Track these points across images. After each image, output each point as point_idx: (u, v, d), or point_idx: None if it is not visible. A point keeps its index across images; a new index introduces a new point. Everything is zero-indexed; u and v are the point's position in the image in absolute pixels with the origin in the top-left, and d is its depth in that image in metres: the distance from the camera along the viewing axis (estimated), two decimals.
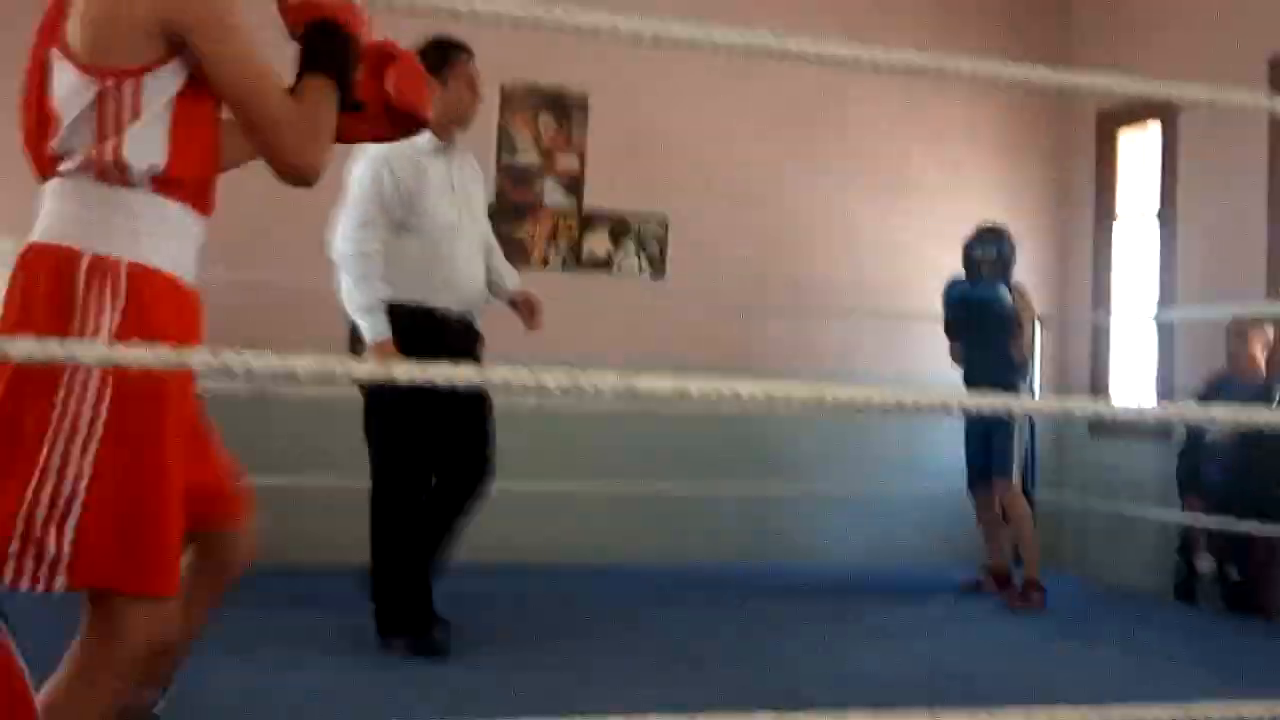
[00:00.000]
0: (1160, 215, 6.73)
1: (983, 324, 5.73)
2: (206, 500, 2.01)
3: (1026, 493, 6.03)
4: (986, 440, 5.78)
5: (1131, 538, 6.50)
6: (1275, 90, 5.83)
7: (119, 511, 1.79)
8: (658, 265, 6.56)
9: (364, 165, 4.01)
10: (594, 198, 6.52)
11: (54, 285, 1.80)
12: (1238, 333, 5.82)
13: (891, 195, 7.07)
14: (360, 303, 3.92)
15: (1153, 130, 6.84)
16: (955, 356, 5.97)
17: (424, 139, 3.88)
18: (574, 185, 6.49)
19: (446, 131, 4.11)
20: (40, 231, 1.88)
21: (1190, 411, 4.98)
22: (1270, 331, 5.82)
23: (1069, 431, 7.18)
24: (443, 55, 4.04)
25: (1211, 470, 5.78)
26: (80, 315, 1.79)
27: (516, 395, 3.28)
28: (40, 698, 1.83)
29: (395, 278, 3.95)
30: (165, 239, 1.89)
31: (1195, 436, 5.93)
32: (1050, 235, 7.41)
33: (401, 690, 3.58)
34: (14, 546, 1.75)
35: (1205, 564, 5.82)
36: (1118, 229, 7.14)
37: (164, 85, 1.87)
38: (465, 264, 4.13)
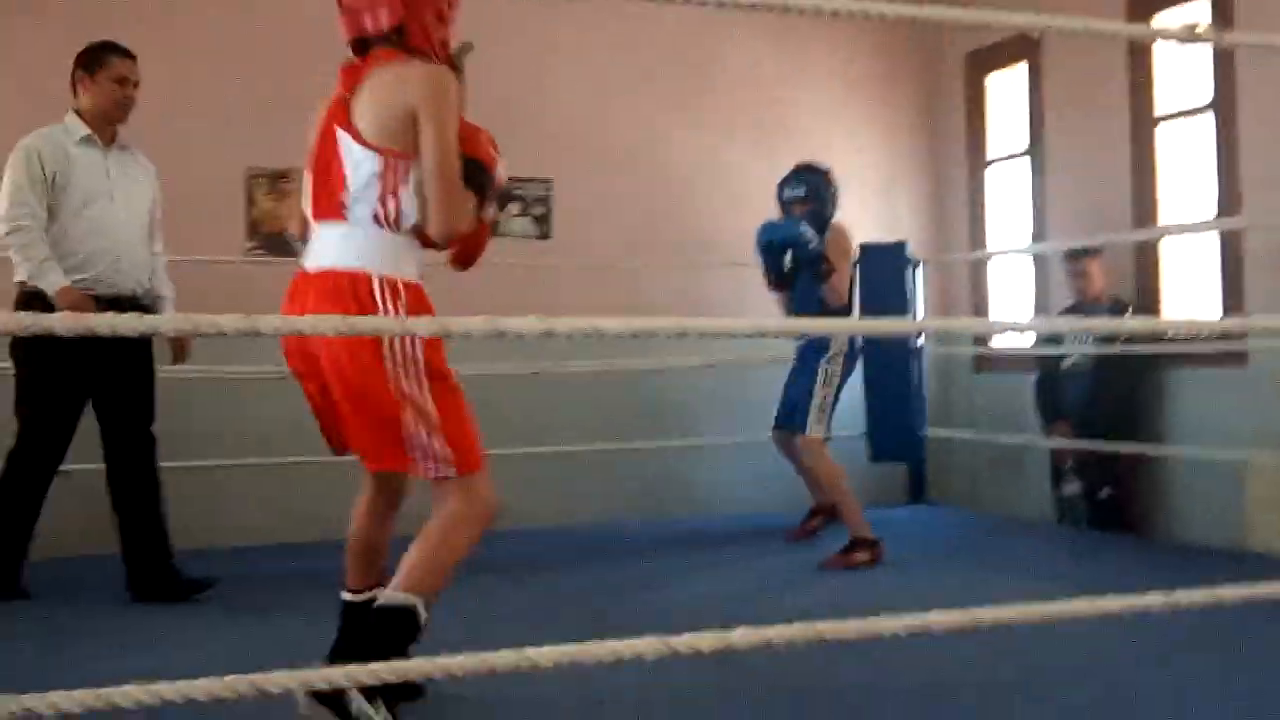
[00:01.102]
0: (1030, 153, 6.77)
1: (794, 268, 5.22)
2: None
3: (893, 446, 6.40)
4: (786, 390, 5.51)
5: (1017, 468, 6.57)
6: (1132, 19, 5.85)
7: (453, 420, 2.59)
8: (544, 228, 6.47)
9: (16, 152, 4.32)
10: None
11: (360, 295, 2.55)
12: (1073, 265, 5.95)
13: (770, 144, 7.01)
14: (35, 259, 4.21)
15: (1020, 70, 6.86)
16: (783, 306, 5.49)
17: (76, 128, 4.36)
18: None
19: (98, 126, 4.39)
20: (332, 260, 2.62)
21: (1058, 324, 5.24)
22: (1099, 261, 5.91)
23: (954, 368, 7.25)
24: (94, 58, 4.40)
25: (1071, 396, 5.89)
26: (383, 311, 2.55)
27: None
28: (417, 549, 2.57)
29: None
30: (414, 264, 2.67)
31: (1050, 367, 6.03)
32: (926, 178, 7.45)
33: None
34: (417, 455, 2.59)
35: (1071, 487, 5.95)
36: (990, 170, 7.17)
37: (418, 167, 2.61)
38: (123, 250, 4.36)
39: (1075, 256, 5.92)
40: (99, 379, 4.35)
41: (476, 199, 2.74)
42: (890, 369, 6.54)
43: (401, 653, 2.39)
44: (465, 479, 2.61)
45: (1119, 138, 6.12)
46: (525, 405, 6.04)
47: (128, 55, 4.44)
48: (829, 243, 5.17)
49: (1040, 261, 6.66)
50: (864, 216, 7.12)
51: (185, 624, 3.94)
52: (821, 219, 5.23)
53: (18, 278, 4.28)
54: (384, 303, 2.54)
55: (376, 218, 2.59)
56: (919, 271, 6.85)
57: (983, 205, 7.21)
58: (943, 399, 7.16)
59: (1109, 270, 5.92)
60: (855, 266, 5.48)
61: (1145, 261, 6.04)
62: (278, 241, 5.72)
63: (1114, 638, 3.26)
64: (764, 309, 6.73)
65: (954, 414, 7.12)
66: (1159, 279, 6.02)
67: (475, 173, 2.71)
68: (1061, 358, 6.00)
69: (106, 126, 4.42)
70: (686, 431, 6.57)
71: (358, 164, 2.59)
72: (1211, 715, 2.89)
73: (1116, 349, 5.67)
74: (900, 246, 6.66)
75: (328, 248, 2.63)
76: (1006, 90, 7.07)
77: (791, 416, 5.30)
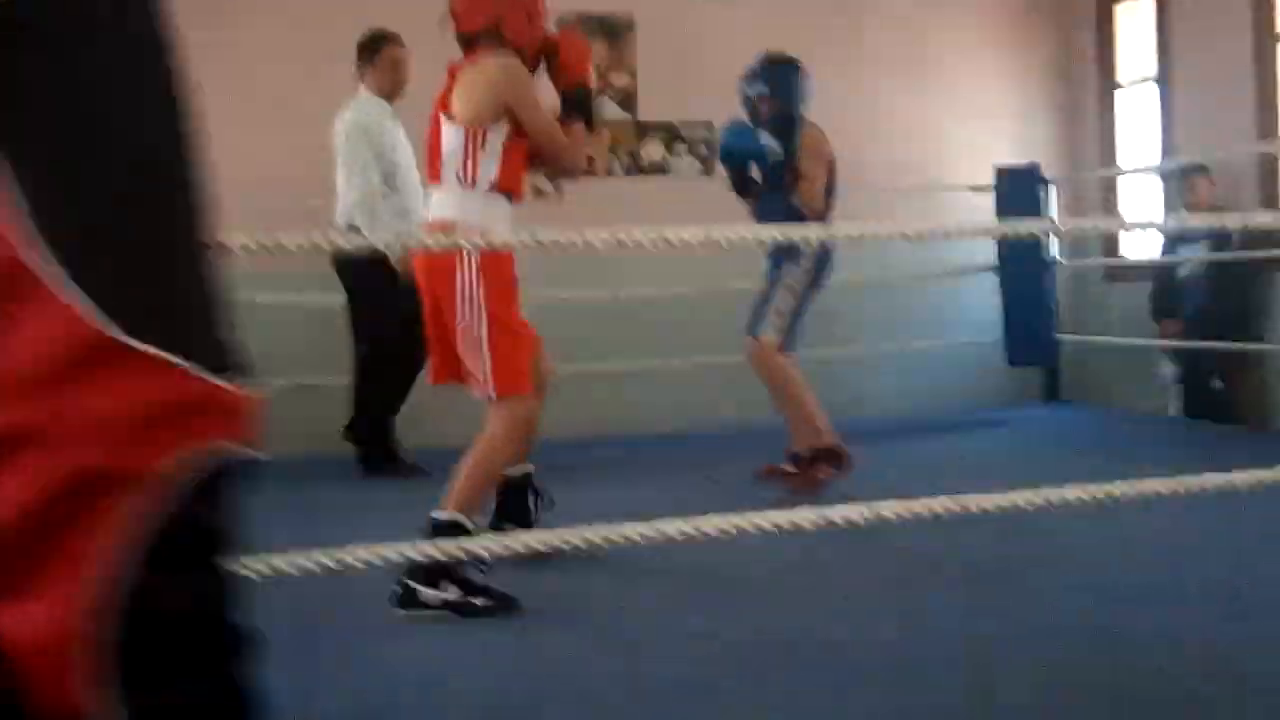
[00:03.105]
0: (1158, 78, 6.86)
1: (759, 177, 4.61)
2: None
3: (1029, 351, 6.24)
4: None
5: (1144, 369, 6.76)
6: None
7: (501, 354, 3.02)
8: (708, 166, 6.84)
9: (358, 134, 5.09)
10: (646, 111, 6.82)
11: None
12: (1186, 184, 6.12)
13: (911, 77, 7.26)
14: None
15: (1147, 2, 6.94)
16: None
17: (383, 106, 5.17)
18: (628, 101, 6.81)
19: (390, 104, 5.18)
20: (433, 214, 3.19)
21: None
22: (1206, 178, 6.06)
23: (1086, 279, 7.44)
24: (374, 45, 5.18)
25: (1186, 301, 6.13)
26: (461, 253, 3.00)
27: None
28: (463, 465, 2.98)
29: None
30: (495, 216, 3.11)
31: (1164, 274, 6.31)
32: (1059, 103, 7.57)
33: None
34: (471, 376, 3.08)
35: (1169, 373, 6.24)
36: (1120, 94, 7.27)
37: (498, 135, 3.12)
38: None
39: (1182, 174, 6.11)
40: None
41: (585, 122, 3.27)
42: (1025, 279, 6.80)
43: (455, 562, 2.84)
44: (505, 401, 3.05)
45: (1242, 58, 6.20)
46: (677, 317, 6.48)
47: (401, 41, 5.17)
48: (801, 146, 4.52)
49: (1166, 180, 6.78)
50: (998, 141, 7.34)
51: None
52: (788, 118, 4.55)
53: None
54: (461, 259, 3.03)
55: (459, 178, 3.11)
56: (1052, 191, 7.03)
57: (1113, 127, 7.32)
58: (1076, 307, 7.37)
59: (1218, 185, 6.07)
60: (832, 169, 4.65)
61: (1266, 175, 6.14)
62: None
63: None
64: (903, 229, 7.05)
65: (1086, 321, 7.32)
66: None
67: (577, 100, 3.27)
68: (1177, 265, 6.21)
69: (393, 100, 5.19)
70: (836, 342, 6.92)
71: (449, 138, 3.14)
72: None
73: (1229, 256, 5.87)
74: (1034, 167, 6.86)
75: (431, 205, 3.24)
76: (1135, 18, 7.14)
77: (754, 322, 4.57)
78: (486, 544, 2.31)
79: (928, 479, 4.74)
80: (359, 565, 2.06)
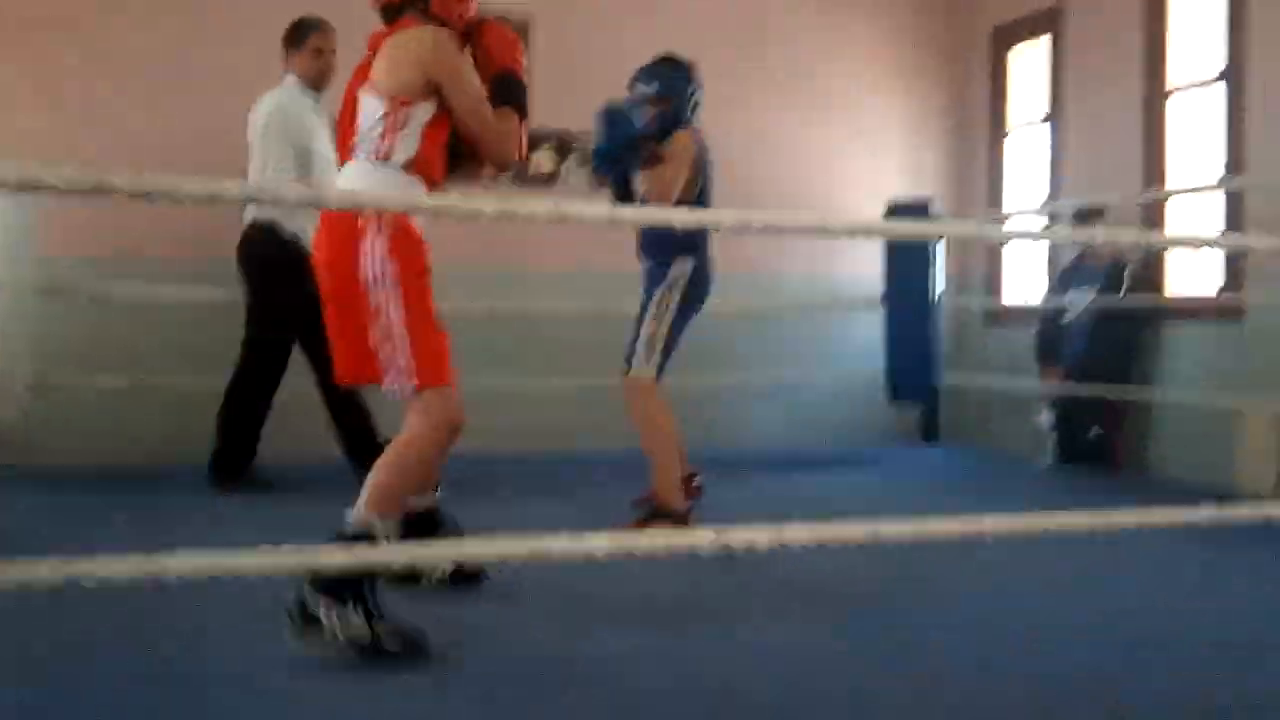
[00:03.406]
0: (1050, 119, 6.85)
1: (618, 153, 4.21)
2: None
3: (911, 388, 6.13)
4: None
5: (1022, 412, 6.71)
6: None
7: (420, 339, 2.69)
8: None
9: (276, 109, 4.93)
10: (538, 118, 6.53)
11: (346, 220, 2.73)
12: (1080, 224, 6.03)
13: (805, 107, 7.16)
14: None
15: (1043, 43, 6.94)
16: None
17: (306, 96, 4.99)
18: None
19: (313, 89, 5.02)
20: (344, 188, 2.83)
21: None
22: (1104, 224, 5.97)
23: (968, 320, 7.40)
24: (300, 32, 5.02)
25: (1071, 347, 6.06)
26: (367, 236, 2.70)
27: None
28: (380, 466, 2.63)
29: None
30: (410, 197, 2.76)
31: (1051, 318, 6.23)
32: (951, 143, 7.54)
33: None
34: (385, 370, 2.70)
35: (1045, 420, 6.19)
36: (1010, 137, 7.27)
37: (421, 113, 2.81)
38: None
39: (1082, 216, 6.04)
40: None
41: (517, 113, 2.92)
42: (911, 316, 6.68)
43: (367, 576, 2.51)
44: (427, 395, 2.70)
45: (1132, 108, 6.20)
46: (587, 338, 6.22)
47: (330, 29, 5.01)
48: (670, 145, 4.15)
49: (1053, 222, 6.77)
50: (893, 179, 7.27)
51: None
52: (675, 121, 4.21)
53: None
54: (368, 228, 2.69)
55: (375, 154, 2.78)
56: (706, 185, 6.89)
57: (1001, 170, 7.32)
58: (956, 348, 7.32)
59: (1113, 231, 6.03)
60: (700, 185, 4.22)
61: (1152, 223, 6.14)
62: None
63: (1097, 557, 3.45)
64: (800, 259, 6.93)
65: (967, 362, 7.26)
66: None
67: (508, 86, 2.93)
68: (1063, 310, 6.15)
69: (317, 90, 5.02)
70: (716, 371, 6.73)
71: (368, 112, 2.81)
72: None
73: (1115, 303, 5.83)
74: (925, 204, 6.77)
75: (342, 182, 2.87)
76: (1029, 62, 7.14)
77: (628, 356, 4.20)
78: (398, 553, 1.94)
79: (800, 512, 4.62)
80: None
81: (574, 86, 6.51)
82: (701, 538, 1.91)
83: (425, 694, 2.35)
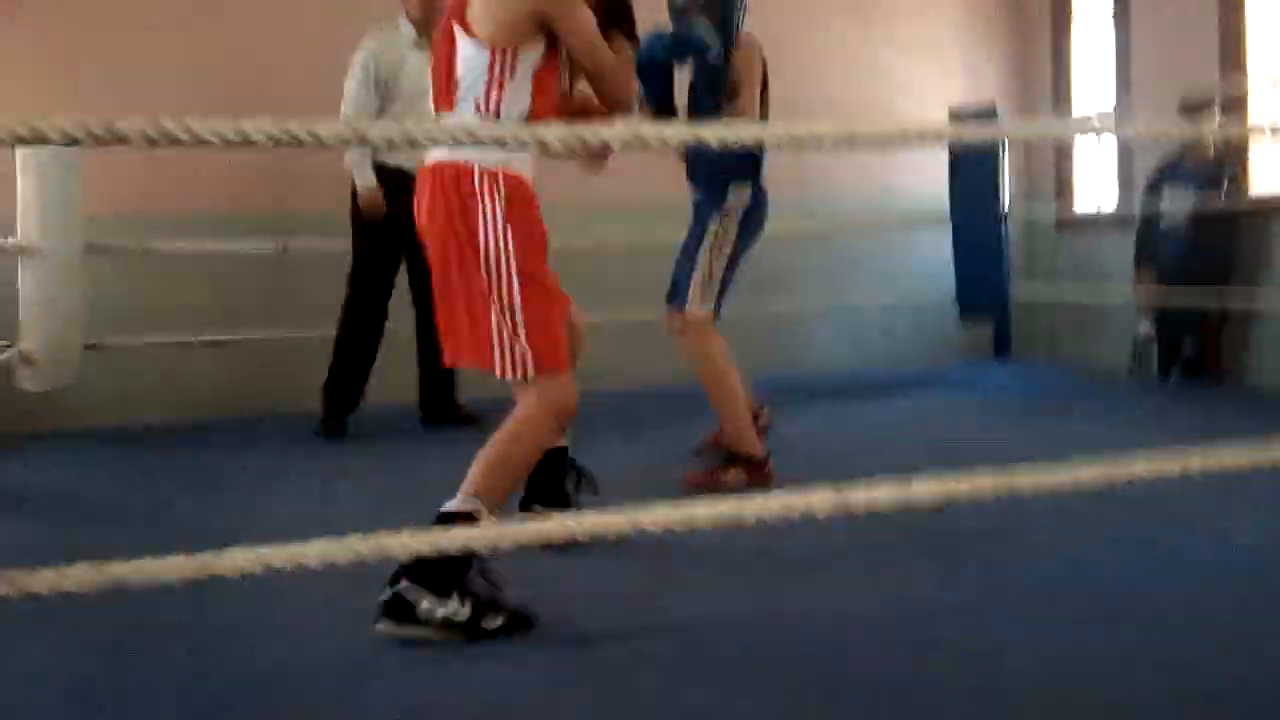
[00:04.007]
0: (1115, 16, 6.49)
1: (691, 84, 3.79)
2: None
3: (981, 304, 5.84)
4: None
5: (1099, 324, 6.44)
6: None
7: (538, 320, 2.45)
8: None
9: (357, 58, 4.81)
10: None
11: (460, 185, 2.45)
12: (1191, 117, 5.57)
13: (860, 15, 6.85)
14: (351, 158, 4.81)
15: None
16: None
17: (406, 33, 4.83)
18: None
19: (422, 28, 4.78)
20: (444, 153, 2.47)
21: None
22: (1216, 114, 5.57)
23: (1038, 230, 7.11)
24: None
25: (1167, 250, 5.70)
26: (480, 202, 2.44)
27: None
28: (485, 452, 2.41)
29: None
30: (521, 157, 2.49)
31: (1149, 218, 5.84)
32: (1012, 43, 7.19)
33: None
34: (498, 353, 2.44)
35: (1145, 329, 5.81)
36: (1076, 29, 6.91)
37: (531, 57, 2.48)
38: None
39: (1190, 109, 5.50)
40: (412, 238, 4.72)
41: (627, 35, 2.63)
42: (977, 230, 6.41)
43: (465, 561, 2.28)
44: (542, 380, 2.46)
45: None
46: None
47: None
48: (736, 59, 3.74)
49: (1123, 117, 6.43)
50: (954, 84, 6.95)
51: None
52: (727, 30, 3.72)
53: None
54: (482, 193, 2.42)
55: (478, 107, 2.46)
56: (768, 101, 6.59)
57: (1069, 65, 6.96)
58: (1028, 259, 7.04)
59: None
60: (764, 92, 3.85)
61: (1232, 115, 5.79)
62: None
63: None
64: (853, 175, 6.66)
65: (1038, 274, 6.99)
66: (1246, 136, 5.76)
67: (616, 7, 2.63)
68: (1159, 214, 5.79)
69: (426, 28, 4.71)
70: (785, 296, 6.51)
71: (468, 58, 2.47)
72: None
73: (1215, 205, 5.49)
74: (989, 107, 6.46)
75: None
76: None
77: (677, 291, 3.86)
78: (495, 533, 1.74)
79: (899, 442, 4.44)
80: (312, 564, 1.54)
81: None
82: (820, 499, 1.72)
83: (532, 664, 2.20)
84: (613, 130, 1.63)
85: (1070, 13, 6.92)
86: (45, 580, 1.43)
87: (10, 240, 4.84)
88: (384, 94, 4.81)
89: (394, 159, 4.78)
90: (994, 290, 6.47)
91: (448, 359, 2.59)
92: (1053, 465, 1.90)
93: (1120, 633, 2.25)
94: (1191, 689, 1.96)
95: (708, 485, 3.59)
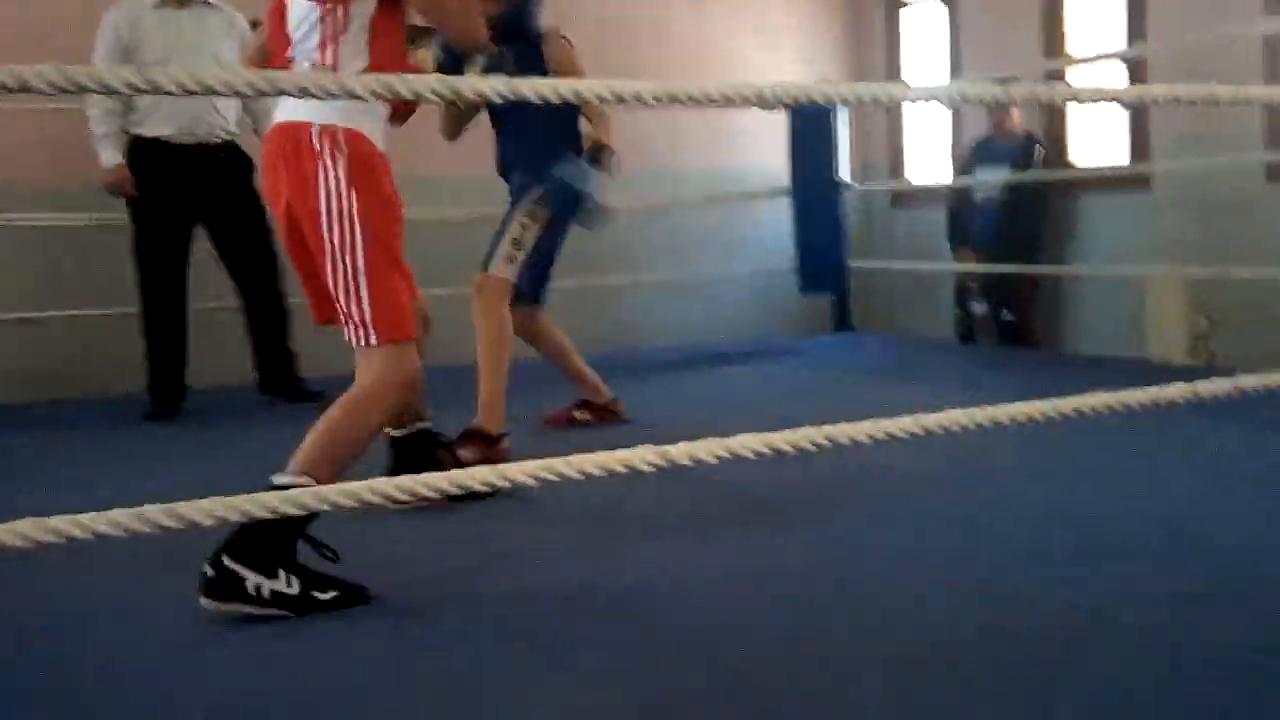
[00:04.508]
0: None
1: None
2: None
3: (820, 279, 6.02)
4: None
5: (934, 295, 6.63)
6: None
7: (381, 285, 2.36)
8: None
9: (102, 26, 4.58)
10: None
11: (300, 145, 2.36)
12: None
13: None
14: (95, 133, 4.60)
15: None
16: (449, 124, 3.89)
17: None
18: None
19: None
20: (284, 113, 2.41)
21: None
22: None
23: (874, 204, 7.26)
24: None
25: (981, 225, 5.94)
26: (321, 160, 2.35)
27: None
28: (322, 422, 2.32)
29: (127, 114, 4.62)
30: (364, 115, 2.38)
31: (960, 198, 6.07)
32: (844, 18, 7.31)
33: None
34: (346, 318, 2.38)
35: (979, 307, 6.06)
36: (905, 10, 7.08)
37: (364, 8, 2.37)
38: (185, 102, 4.45)
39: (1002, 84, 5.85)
40: (205, 212, 4.74)
41: None
42: (816, 205, 6.51)
43: (292, 534, 2.23)
44: (386, 349, 2.38)
45: None
46: None
47: None
48: (549, 53, 3.74)
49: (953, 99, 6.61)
50: (788, 66, 7.05)
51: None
52: (519, 25, 3.69)
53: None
54: (322, 151, 2.34)
55: (314, 66, 2.36)
56: (841, 112, 6.76)
57: (898, 46, 7.13)
58: (865, 234, 7.18)
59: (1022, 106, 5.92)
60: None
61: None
62: None
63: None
64: (699, 150, 6.70)
65: (874, 247, 7.14)
66: (1066, 114, 6.02)
67: None
68: (970, 190, 6.04)
69: None
70: (622, 269, 6.53)
71: (298, 14, 2.39)
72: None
73: (1026, 179, 5.72)
74: None
75: (282, 101, 2.42)
76: None
77: (486, 259, 3.77)
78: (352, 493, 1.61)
79: (735, 408, 4.49)
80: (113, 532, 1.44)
81: None
82: (640, 455, 1.71)
83: (446, 629, 2.16)
84: (426, 80, 1.57)
85: None
86: None
87: None
88: (127, 60, 4.51)
89: (151, 130, 4.61)
90: (833, 264, 6.59)
91: (316, 317, 2.59)
92: (872, 420, 1.92)
93: (945, 593, 2.31)
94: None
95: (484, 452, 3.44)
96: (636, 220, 6.47)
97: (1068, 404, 2.01)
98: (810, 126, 6.36)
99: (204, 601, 2.19)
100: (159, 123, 4.60)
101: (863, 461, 2.91)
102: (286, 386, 4.91)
